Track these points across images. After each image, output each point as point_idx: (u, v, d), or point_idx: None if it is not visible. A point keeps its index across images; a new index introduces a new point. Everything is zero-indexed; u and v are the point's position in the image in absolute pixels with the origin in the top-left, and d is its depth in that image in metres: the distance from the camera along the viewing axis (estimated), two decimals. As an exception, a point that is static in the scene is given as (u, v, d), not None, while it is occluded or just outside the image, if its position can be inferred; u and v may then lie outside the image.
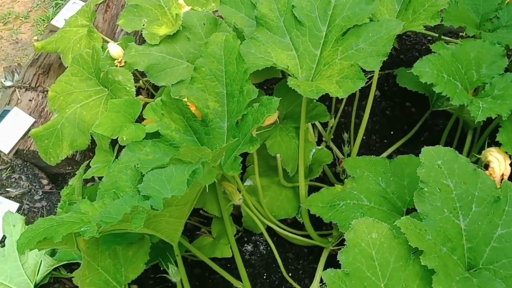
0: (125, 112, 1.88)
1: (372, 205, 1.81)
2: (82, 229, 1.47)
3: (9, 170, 2.34)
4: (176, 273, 1.55)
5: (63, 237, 1.43)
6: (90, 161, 2.00)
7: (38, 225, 1.53)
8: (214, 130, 1.71)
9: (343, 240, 2.04)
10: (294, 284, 1.94)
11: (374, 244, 1.53)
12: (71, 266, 2.14)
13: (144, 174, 1.62)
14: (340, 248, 2.04)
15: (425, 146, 1.59)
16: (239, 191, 1.76)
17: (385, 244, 1.54)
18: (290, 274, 2.09)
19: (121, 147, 2.06)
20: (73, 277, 2.13)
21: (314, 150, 1.93)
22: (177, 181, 1.48)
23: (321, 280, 1.95)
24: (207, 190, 1.35)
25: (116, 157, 2.01)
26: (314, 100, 1.97)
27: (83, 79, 2.04)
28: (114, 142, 2.08)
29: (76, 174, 1.93)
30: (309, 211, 1.85)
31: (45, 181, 2.33)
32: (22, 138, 2.27)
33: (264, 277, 2.08)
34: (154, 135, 1.84)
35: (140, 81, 2.37)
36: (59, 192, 2.37)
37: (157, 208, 1.25)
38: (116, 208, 1.41)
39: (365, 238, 1.55)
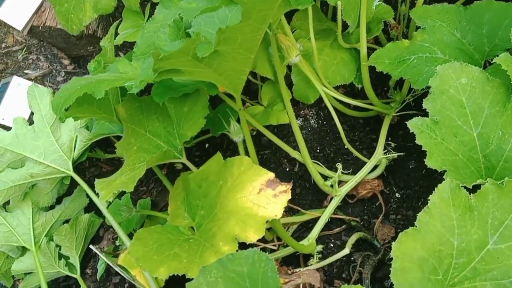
0: (156, -38, 1.60)
1: (447, 57, 1.59)
2: (127, 84, 1.27)
3: (25, 51, 2.10)
4: (238, 130, 1.36)
5: (105, 93, 1.23)
6: (119, 24, 1.75)
7: (74, 83, 1.32)
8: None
9: (407, 105, 1.85)
10: (356, 153, 1.76)
11: (464, 90, 1.33)
12: (107, 149, 1.98)
13: (188, 24, 1.38)
14: (403, 115, 1.88)
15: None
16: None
17: (477, 89, 1.33)
18: (345, 147, 1.91)
19: (152, 9, 1.80)
20: (110, 158, 1.98)
21: (377, 1, 1.67)
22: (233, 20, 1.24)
23: (384, 148, 1.78)
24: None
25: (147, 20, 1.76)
26: None
27: None
28: (143, 5, 1.81)
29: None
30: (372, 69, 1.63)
31: (66, 62, 2.10)
32: (35, 12, 2.00)
33: (318, 150, 1.90)
34: (192, -12, 1.57)
35: None
36: (84, 73, 2.14)
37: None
38: (167, 51, 1.18)
39: (453, 84, 1.34)
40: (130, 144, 1.46)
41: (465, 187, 1.16)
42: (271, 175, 1.31)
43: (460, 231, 1.10)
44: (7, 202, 1.74)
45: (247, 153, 1.47)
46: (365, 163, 1.78)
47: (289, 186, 1.29)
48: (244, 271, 1.03)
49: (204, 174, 1.39)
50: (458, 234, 1.10)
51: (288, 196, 1.28)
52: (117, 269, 1.52)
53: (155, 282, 1.48)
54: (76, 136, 1.65)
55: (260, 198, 1.27)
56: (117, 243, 1.67)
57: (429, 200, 1.17)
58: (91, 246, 1.56)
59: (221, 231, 1.25)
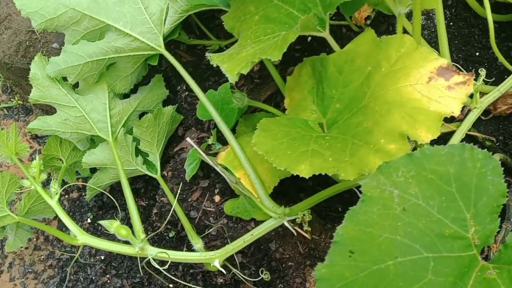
0: None
1: None
2: None
3: None
4: (406, -2, 1.03)
5: None
6: None
7: None
8: None
9: None
10: (502, 60, 1.45)
11: None
12: (189, 35, 1.67)
13: None
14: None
15: None
16: None
17: None
18: (477, 53, 1.59)
19: None
20: (191, 46, 1.68)
21: None
22: None
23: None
24: None
25: None
26: None
27: None
28: None
29: None
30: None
31: None
32: None
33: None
34: None
35: None
36: None
37: None
38: None
39: None
40: (249, 13, 1.15)
41: None
42: (443, 61, 1.00)
43: None
44: (76, 85, 1.46)
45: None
46: (503, 74, 1.48)
47: (468, 77, 0.99)
48: (450, 172, 0.76)
49: (350, 55, 1.09)
50: None
51: (469, 89, 0.98)
52: (218, 168, 1.26)
53: (263, 188, 1.23)
54: (167, 7, 1.33)
55: (431, 89, 0.98)
56: (209, 141, 1.41)
57: None
58: (187, 139, 1.29)
59: (380, 127, 0.97)
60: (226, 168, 1.28)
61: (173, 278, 1.41)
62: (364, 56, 1.07)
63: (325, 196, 1.21)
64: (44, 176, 1.39)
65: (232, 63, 1.00)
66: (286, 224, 1.24)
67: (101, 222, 1.26)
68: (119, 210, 1.49)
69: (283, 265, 1.38)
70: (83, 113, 1.42)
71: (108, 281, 1.65)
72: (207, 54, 1.11)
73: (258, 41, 1.08)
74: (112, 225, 1.25)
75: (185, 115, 1.62)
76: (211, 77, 1.65)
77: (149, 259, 1.27)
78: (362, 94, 1.05)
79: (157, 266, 1.20)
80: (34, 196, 1.44)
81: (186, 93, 1.64)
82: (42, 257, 1.73)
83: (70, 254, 1.72)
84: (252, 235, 1.25)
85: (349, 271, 0.73)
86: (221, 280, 1.45)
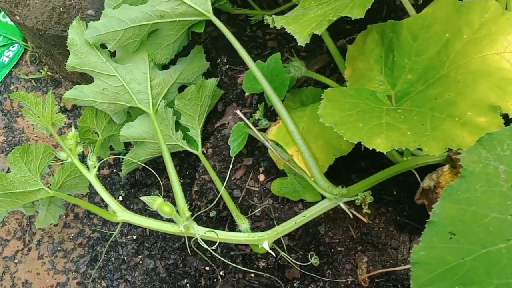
0: None
1: None
2: None
3: None
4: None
5: None
6: None
7: None
8: None
9: None
10: None
11: None
12: (232, 5, 1.57)
13: None
14: None
15: None
16: None
17: None
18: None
19: None
20: (234, 16, 1.59)
21: None
22: None
23: None
24: None
25: None
26: None
27: None
28: None
29: None
30: None
31: None
32: None
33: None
34: None
35: None
36: None
37: None
38: None
39: None
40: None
41: None
42: (533, 28, 0.90)
43: None
44: (113, 54, 1.38)
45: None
46: None
47: (563, 46, 0.89)
48: None
49: (427, 21, 0.99)
50: None
51: None
52: (268, 144, 1.18)
53: (317, 166, 1.14)
54: (216, -30, 1.24)
55: (521, 58, 0.88)
56: (256, 116, 1.32)
57: None
58: (237, 112, 1.20)
59: (465, 98, 0.87)
60: (277, 144, 1.19)
61: (221, 258, 1.33)
62: (442, 22, 0.97)
63: (385, 176, 1.12)
64: (80, 149, 1.31)
65: (299, 24, 0.91)
66: (343, 205, 1.15)
67: (143, 198, 1.19)
68: (161, 187, 1.41)
69: (332, 250, 1.29)
70: (122, 82, 1.33)
71: (141, 262, 1.58)
72: (266, 17, 1.02)
73: (324, 3, 0.98)
74: (155, 202, 1.17)
75: (225, 89, 1.53)
76: (253, 50, 1.55)
77: (189, 239, 1.19)
78: (439, 64, 0.95)
79: (206, 246, 1.12)
80: (69, 170, 1.36)
81: (227, 66, 1.55)
82: (72, 235, 1.66)
83: (101, 231, 1.65)
84: (304, 216, 1.16)
85: (452, 254, 0.64)
86: (263, 264, 1.37)
